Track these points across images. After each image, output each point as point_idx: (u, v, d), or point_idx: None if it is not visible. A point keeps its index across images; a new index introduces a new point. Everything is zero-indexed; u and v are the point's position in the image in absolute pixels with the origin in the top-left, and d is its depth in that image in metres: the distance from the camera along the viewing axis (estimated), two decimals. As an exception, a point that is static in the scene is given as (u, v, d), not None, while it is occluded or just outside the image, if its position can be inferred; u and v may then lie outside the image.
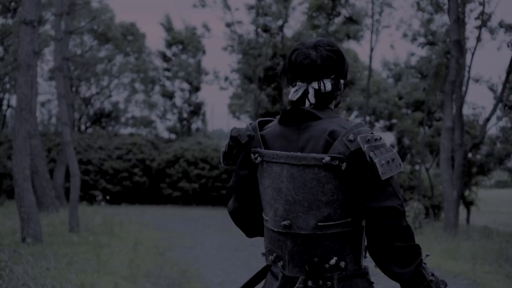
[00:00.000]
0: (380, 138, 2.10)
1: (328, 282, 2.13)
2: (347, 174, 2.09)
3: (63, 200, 19.06)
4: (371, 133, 2.10)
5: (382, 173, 2.03)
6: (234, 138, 2.30)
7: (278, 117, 2.29)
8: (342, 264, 2.13)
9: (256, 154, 2.22)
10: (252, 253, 10.57)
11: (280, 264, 2.21)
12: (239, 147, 2.30)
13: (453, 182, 15.55)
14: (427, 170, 23.72)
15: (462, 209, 21.34)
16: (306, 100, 2.22)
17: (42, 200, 15.73)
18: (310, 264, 2.14)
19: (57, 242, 10.16)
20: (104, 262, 8.14)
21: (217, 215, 19.82)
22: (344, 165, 2.06)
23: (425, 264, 2.11)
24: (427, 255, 2.17)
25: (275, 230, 2.19)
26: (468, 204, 23.12)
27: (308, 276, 2.15)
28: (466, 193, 22.70)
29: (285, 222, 2.15)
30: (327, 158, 2.06)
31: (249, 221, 2.40)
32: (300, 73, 2.23)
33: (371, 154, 2.04)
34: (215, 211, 22.66)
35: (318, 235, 2.13)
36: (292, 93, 2.25)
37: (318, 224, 2.12)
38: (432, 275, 2.11)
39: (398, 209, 2.06)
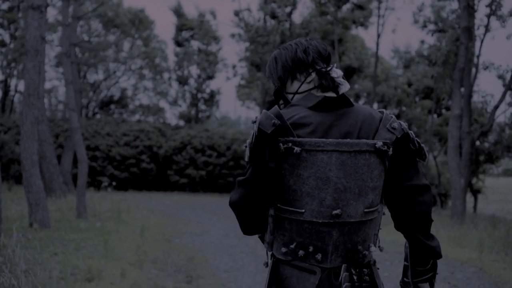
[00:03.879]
0: None
1: (365, 270, 2.15)
2: (390, 159, 2.18)
3: (70, 186, 19.14)
4: None
5: (425, 155, 2.23)
6: (259, 129, 2.11)
7: (298, 103, 2.23)
8: (373, 250, 2.20)
9: (290, 144, 2.09)
10: (259, 240, 10.58)
11: (318, 257, 2.11)
12: (263, 138, 2.11)
13: (460, 170, 15.49)
14: (434, 158, 23.66)
15: (470, 197, 21.32)
16: (340, 83, 2.25)
17: (50, 185, 15.79)
18: (354, 252, 2.14)
19: (64, 227, 10.20)
20: (111, 248, 8.17)
21: (223, 202, 19.85)
22: (390, 150, 2.14)
23: None
24: None
25: (320, 221, 2.10)
26: (476, 192, 23.09)
27: (350, 264, 2.13)
28: (474, 181, 22.66)
29: (336, 211, 2.09)
30: (379, 143, 2.11)
31: (257, 216, 2.24)
32: (329, 61, 2.31)
33: (417, 139, 2.21)
34: (222, 198, 22.70)
35: (363, 222, 2.15)
36: (339, 71, 2.26)
37: (365, 210, 2.14)
38: None
39: (430, 187, 2.24)
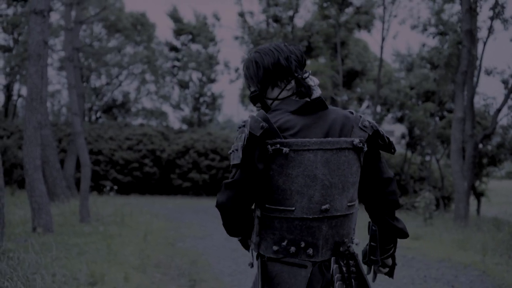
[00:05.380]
0: None
1: (351, 261, 2.32)
2: (364, 155, 2.36)
3: (73, 190, 19.14)
4: None
5: (394, 149, 2.44)
6: (249, 132, 2.22)
7: (279, 108, 2.35)
8: (357, 242, 2.39)
9: (278, 145, 2.22)
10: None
11: (309, 251, 2.25)
12: (253, 140, 2.21)
13: (463, 173, 15.47)
14: (437, 161, 23.62)
15: (473, 200, 21.26)
16: (314, 89, 2.42)
17: (53, 190, 15.80)
18: (341, 245, 2.31)
19: (67, 232, 10.21)
20: (114, 252, 8.17)
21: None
22: (365, 147, 2.32)
23: None
24: None
25: (310, 217, 2.24)
26: (479, 195, 23.02)
27: (338, 256, 2.30)
28: (477, 184, 22.60)
29: (325, 206, 2.24)
30: (356, 141, 2.29)
31: (243, 217, 2.33)
32: (304, 66, 2.46)
33: (387, 135, 2.42)
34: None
35: (347, 215, 2.32)
36: (315, 79, 2.42)
37: (348, 204, 2.31)
38: None
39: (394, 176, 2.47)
